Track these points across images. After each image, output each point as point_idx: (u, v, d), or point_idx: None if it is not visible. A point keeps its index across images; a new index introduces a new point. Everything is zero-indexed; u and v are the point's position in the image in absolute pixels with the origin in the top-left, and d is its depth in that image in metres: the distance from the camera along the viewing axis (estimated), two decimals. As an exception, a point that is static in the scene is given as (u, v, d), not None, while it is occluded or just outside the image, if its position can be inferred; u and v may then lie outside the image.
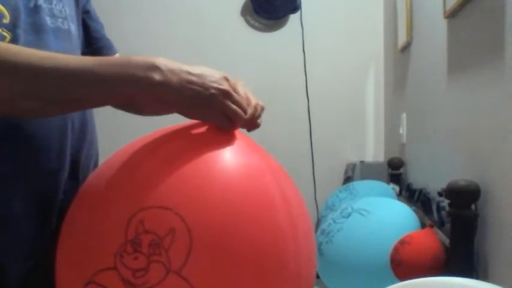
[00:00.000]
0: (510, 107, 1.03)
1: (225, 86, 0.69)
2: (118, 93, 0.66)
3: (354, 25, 2.70)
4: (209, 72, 0.69)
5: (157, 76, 0.64)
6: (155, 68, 0.65)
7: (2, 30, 0.71)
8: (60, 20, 0.81)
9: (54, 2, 0.81)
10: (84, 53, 0.90)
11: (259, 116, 0.75)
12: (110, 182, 0.66)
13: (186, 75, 0.66)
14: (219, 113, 0.69)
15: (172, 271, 0.58)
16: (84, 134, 0.81)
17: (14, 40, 0.72)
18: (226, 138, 0.70)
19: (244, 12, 2.75)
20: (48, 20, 0.78)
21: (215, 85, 0.68)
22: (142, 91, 0.65)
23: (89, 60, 0.67)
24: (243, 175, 0.67)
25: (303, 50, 2.68)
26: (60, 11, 0.82)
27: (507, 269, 1.04)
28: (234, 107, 0.69)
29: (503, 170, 1.06)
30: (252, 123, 0.73)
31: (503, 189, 1.06)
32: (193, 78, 0.67)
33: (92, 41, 0.93)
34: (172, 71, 0.66)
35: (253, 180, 0.67)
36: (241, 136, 0.73)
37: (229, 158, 0.68)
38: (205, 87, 0.67)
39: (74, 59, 0.66)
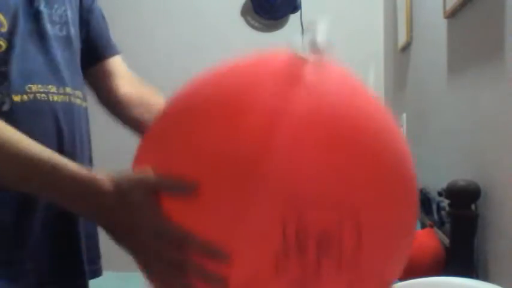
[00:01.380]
0: (510, 107, 1.03)
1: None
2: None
3: (354, 25, 2.70)
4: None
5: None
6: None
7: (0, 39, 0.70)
8: (58, 26, 0.80)
9: (56, 6, 0.80)
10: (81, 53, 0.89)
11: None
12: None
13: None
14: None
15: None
16: (74, 137, 0.80)
17: (11, 48, 0.71)
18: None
19: (244, 12, 2.75)
20: (48, 27, 0.77)
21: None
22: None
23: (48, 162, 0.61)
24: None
25: (303, 50, 2.68)
26: (61, 15, 0.81)
27: (507, 269, 1.04)
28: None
29: (503, 170, 1.06)
30: None
31: (503, 189, 1.06)
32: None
33: (90, 40, 0.92)
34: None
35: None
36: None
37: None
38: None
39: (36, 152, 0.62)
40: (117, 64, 0.95)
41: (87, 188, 0.58)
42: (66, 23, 0.81)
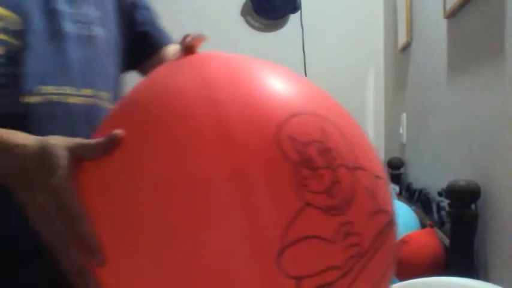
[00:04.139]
0: (510, 107, 1.03)
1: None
2: None
3: (354, 25, 2.70)
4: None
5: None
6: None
7: (9, 37, 0.67)
8: (83, 25, 0.76)
9: (80, 6, 0.76)
10: (132, 50, 0.86)
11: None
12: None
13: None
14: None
15: (352, 166, 0.50)
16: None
17: (23, 47, 0.68)
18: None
19: (244, 12, 2.75)
20: (68, 26, 0.74)
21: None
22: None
23: None
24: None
25: (303, 50, 2.68)
26: (86, 15, 0.77)
27: (507, 269, 1.04)
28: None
29: (503, 170, 1.06)
30: None
31: (503, 189, 1.06)
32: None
33: (140, 34, 0.89)
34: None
35: None
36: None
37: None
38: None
39: None
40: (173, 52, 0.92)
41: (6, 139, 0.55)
42: (91, 22, 0.78)
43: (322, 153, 0.48)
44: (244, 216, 0.45)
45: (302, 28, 2.69)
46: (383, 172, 0.56)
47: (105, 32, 0.80)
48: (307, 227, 0.46)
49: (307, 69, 2.66)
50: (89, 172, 0.52)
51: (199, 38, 0.59)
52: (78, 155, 0.52)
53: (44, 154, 0.52)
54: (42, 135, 0.57)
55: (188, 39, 0.59)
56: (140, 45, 0.89)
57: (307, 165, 0.47)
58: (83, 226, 0.49)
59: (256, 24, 2.74)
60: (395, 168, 2.12)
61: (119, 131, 0.50)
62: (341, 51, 2.71)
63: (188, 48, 0.58)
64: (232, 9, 2.74)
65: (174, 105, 0.51)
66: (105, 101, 0.78)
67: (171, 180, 0.47)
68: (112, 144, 0.50)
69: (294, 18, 2.71)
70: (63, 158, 0.51)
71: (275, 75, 0.56)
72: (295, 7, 2.67)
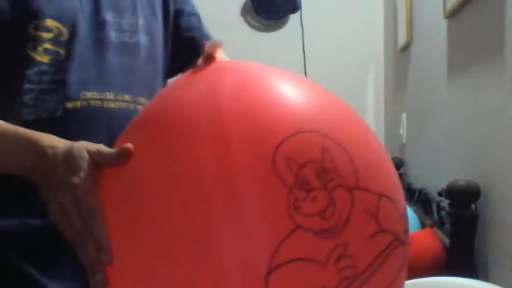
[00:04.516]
0: (510, 107, 1.03)
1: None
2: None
3: (354, 25, 2.70)
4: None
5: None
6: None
7: (59, 47, 0.72)
8: (128, 34, 0.80)
9: (126, 16, 0.80)
10: (178, 56, 0.89)
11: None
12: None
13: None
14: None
15: (352, 187, 0.49)
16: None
17: (69, 57, 0.72)
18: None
19: (244, 12, 2.75)
20: (113, 35, 0.78)
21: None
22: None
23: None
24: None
25: (303, 50, 2.68)
26: (131, 24, 0.81)
27: (507, 269, 1.04)
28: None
29: (503, 170, 1.06)
30: None
31: (503, 189, 1.06)
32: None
33: (186, 40, 0.92)
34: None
35: None
36: None
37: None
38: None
39: None
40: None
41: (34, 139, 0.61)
42: (136, 31, 0.81)
43: (319, 174, 0.48)
44: (236, 235, 0.46)
45: (302, 28, 2.69)
46: (395, 189, 0.55)
47: (148, 38, 0.84)
48: (297, 249, 0.46)
49: (307, 69, 2.66)
50: (107, 178, 0.56)
51: (214, 45, 0.61)
52: (96, 160, 0.56)
53: (69, 156, 0.57)
54: (81, 137, 0.61)
55: (206, 48, 0.61)
56: (187, 50, 0.90)
57: (301, 187, 0.47)
58: (97, 225, 0.53)
59: (256, 24, 2.74)
60: (395, 168, 2.11)
61: (128, 145, 0.54)
62: (341, 51, 2.70)
63: (208, 57, 0.60)
64: (232, 9, 2.74)
65: (178, 120, 0.52)
66: (143, 106, 0.81)
67: (170, 193, 0.49)
68: (121, 157, 0.54)
69: (294, 18, 2.71)
70: (85, 161, 0.56)
71: (288, 88, 0.55)
72: (295, 7, 2.67)
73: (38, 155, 0.59)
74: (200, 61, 0.61)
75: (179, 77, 0.62)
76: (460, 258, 1.14)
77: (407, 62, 2.09)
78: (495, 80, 1.10)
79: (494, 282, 0.95)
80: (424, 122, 1.82)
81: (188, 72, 0.61)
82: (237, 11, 2.74)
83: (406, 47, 2.09)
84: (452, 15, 1.40)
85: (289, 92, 0.55)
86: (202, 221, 0.47)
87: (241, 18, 2.74)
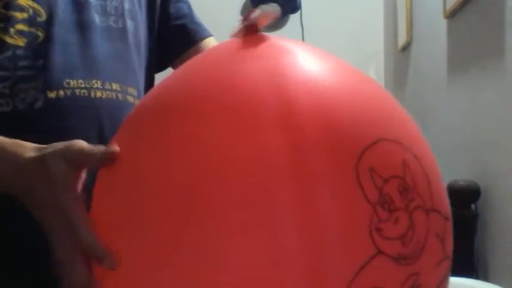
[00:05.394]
0: (510, 107, 1.03)
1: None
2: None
3: (354, 25, 2.70)
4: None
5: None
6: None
7: (36, 29, 0.65)
8: (113, 17, 0.73)
9: None
10: (167, 45, 0.83)
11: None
12: None
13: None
14: None
15: (428, 208, 0.43)
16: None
17: (49, 39, 0.65)
18: None
19: (244, 12, 2.75)
20: (96, 18, 0.71)
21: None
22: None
23: None
24: None
25: (303, 50, 2.68)
26: (116, 7, 0.74)
27: (507, 269, 1.04)
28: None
29: (503, 170, 1.06)
30: None
31: (503, 189, 1.06)
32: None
33: (175, 27, 0.85)
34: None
35: None
36: None
37: None
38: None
39: None
40: (212, 45, 0.89)
41: (6, 151, 0.52)
42: (122, 15, 0.74)
43: (401, 192, 0.41)
44: (304, 249, 0.39)
45: (302, 28, 2.69)
46: (449, 211, 0.48)
47: (133, 24, 0.77)
48: (375, 277, 0.40)
49: (307, 69, 2.66)
50: (103, 179, 0.49)
51: (266, 14, 0.50)
52: (78, 164, 0.50)
53: (42, 173, 0.50)
54: (66, 132, 0.55)
55: (254, 15, 0.50)
56: (177, 38, 0.85)
57: (384, 206, 0.40)
58: (85, 236, 0.47)
59: (256, 24, 2.75)
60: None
61: (115, 148, 0.47)
62: (341, 51, 2.69)
63: (251, 27, 0.51)
64: (232, 9, 2.74)
65: (237, 99, 0.43)
66: (131, 97, 0.74)
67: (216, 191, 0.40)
68: (107, 160, 0.47)
69: (294, 18, 2.70)
70: (61, 173, 0.49)
71: (362, 84, 0.48)
72: (295, 7, 2.65)
73: (15, 180, 0.51)
74: (239, 31, 0.52)
75: (211, 48, 0.53)
76: (460, 258, 1.14)
77: (407, 61, 2.08)
78: (495, 79, 1.10)
79: (494, 282, 0.95)
80: (424, 122, 1.82)
81: (225, 44, 0.51)
82: (237, 11, 2.74)
83: (406, 47, 2.09)
84: (452, 15, 1.40)
85: (365, 88, 0.48)
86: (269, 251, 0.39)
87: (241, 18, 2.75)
